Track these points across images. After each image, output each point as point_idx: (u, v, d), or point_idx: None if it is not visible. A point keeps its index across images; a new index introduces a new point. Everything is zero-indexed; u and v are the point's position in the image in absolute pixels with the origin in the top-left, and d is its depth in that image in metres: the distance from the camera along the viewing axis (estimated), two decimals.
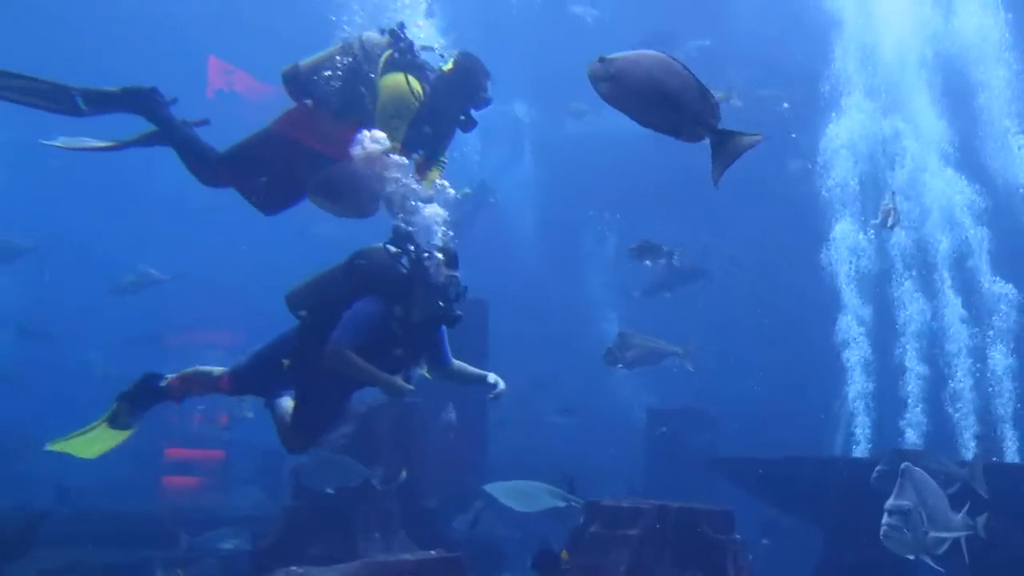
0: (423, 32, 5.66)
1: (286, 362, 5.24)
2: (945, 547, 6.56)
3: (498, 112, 15.84)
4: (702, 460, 13.90)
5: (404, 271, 5.09)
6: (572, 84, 3.85)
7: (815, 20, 15.39)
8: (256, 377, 5.42)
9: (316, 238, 15.55)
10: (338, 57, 5.53)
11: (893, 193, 10.37)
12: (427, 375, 5.52)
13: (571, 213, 21.68)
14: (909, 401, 13.34)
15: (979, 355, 13.35)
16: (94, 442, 5.48)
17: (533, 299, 21.43)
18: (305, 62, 5.62)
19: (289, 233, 16.04)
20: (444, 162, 5.73)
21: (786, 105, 16.65)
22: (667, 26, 17.08)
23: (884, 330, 14.07)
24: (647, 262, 11.45)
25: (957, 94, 14.94)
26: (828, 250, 14.44)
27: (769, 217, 18.50)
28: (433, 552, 8.11)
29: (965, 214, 14.09)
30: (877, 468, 8.99)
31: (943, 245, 14.04)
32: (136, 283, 18.43)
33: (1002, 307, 13.45)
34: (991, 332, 13.37)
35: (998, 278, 13.68)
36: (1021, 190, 14.73)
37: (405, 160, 5.28)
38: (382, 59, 5.44)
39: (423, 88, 5.42)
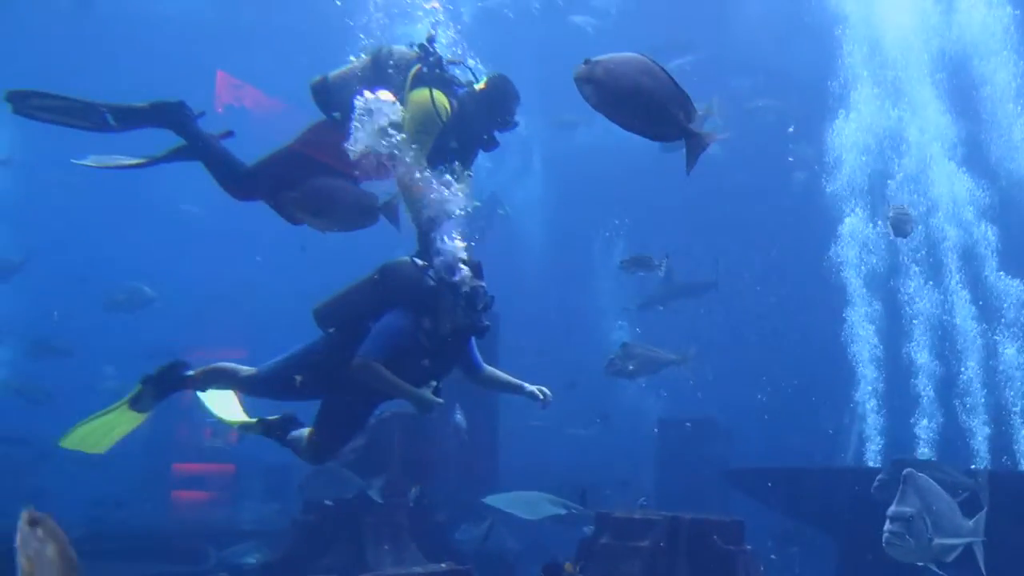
0: (472, 61, 5.65)
1: (299, 378, 5.25)
2: (955, 554, 6.28)
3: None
4: (715, 471, 13.82)
5: (432, 283, 5.10)
6: (573, 95, 3.88)
7: (818, 20, 15.38)
8: (278, 384, 5.42)
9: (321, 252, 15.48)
10: (367, 70, 5.48)
11: (900, 204, 10.33)
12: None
13: (581, 224, 21.67)
14: (922, 402, 13.24)
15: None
16: (110, 427, 5.50)
17: (544, 310, 21.39)
18: (334, 74, 5.56)
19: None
20: (470, 175, 5.68)
21: (791, 129, 16.63)
22: (670, 34, 17.05)
23: (894, 328, 13.99)
24: (640, 274, 11.49)
25: (963, 90, 14.88)
26: (836, 246, 14.37)
27: (777, 224, 18.43)
28: (443, 564, 8.10)
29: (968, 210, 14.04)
30: (878, 477, 8.91)
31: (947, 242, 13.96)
32: (129, 301, 18.38)
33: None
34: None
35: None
36: None
37: (446, 176, 5.26)
38: (411, 73, 5.41)
39: (450, 104, 5.40)
